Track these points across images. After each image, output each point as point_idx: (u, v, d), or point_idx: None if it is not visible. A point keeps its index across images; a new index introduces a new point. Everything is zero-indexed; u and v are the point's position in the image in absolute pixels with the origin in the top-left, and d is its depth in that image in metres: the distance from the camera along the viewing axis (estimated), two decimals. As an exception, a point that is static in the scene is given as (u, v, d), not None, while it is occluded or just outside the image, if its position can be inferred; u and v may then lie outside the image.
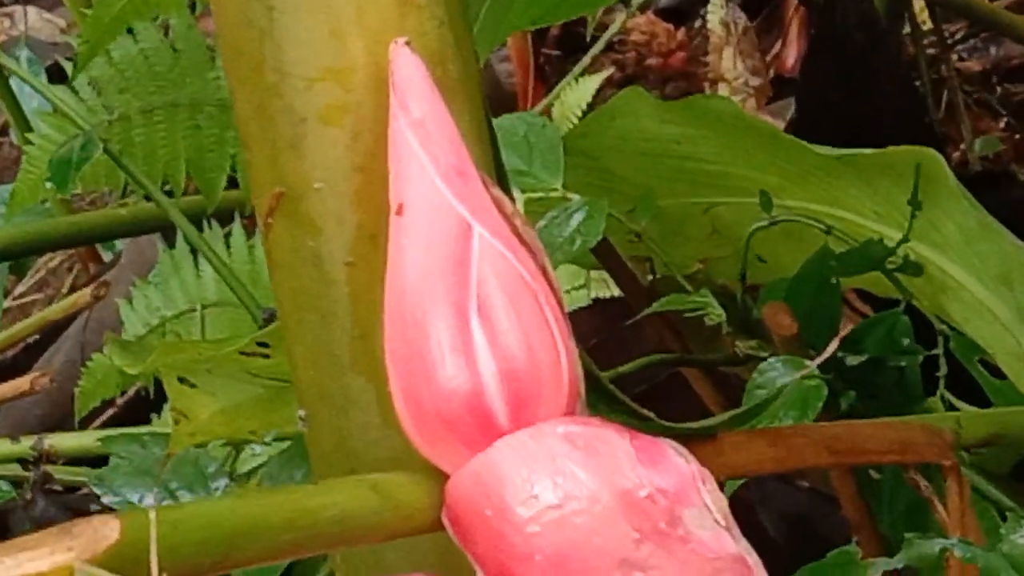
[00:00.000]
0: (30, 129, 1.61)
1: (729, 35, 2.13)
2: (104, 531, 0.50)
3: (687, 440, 0.65)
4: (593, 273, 1.48)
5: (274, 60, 0.62)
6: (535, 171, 1.10)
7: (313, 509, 0.55)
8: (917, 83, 1.82)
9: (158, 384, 1.39)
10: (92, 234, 1.76)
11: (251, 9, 0.62)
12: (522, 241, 0.60)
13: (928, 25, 1.99)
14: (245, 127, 0.64)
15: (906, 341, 1.06)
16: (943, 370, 1.07)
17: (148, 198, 1.44)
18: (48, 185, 1.42)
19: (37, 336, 1.84)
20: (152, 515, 0.49)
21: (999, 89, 2.18)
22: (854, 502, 1.00)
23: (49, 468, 1.53)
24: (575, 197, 1.06)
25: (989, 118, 2.14)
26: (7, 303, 2.11)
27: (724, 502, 0.56)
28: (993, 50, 2.22)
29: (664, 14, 2.32)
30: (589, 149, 1.15)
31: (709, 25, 2.16)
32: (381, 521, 0.57)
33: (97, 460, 1.30)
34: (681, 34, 2.27)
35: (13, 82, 1.79)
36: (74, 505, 1.56)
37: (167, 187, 1.50)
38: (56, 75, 1.94)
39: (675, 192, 1.16)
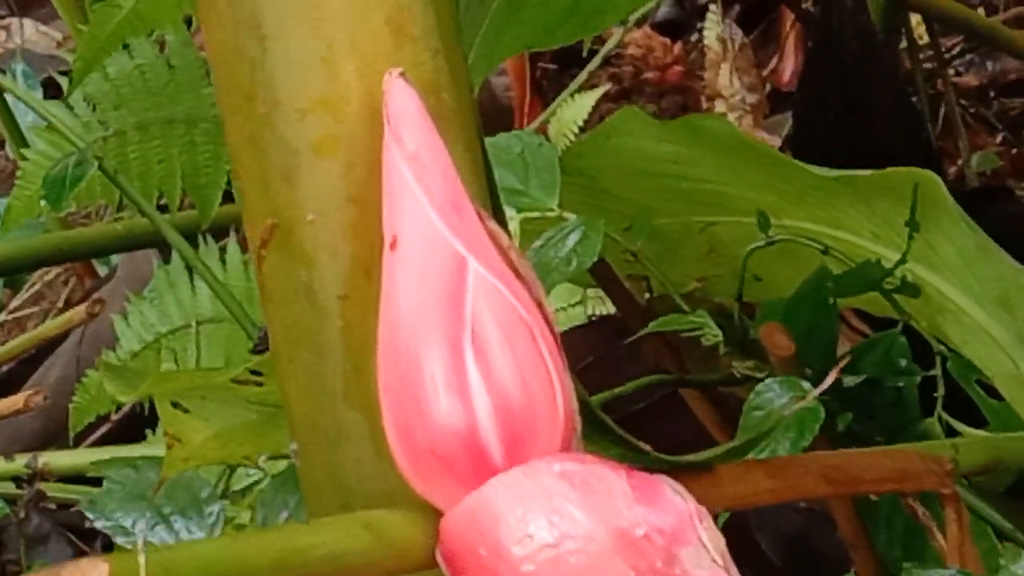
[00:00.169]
0: (25, 143, 1.61)
1: (726, 51, 2.13)
2: (93, 574, 0.49)
3: (684, 472, 0.65)
4: (589, 291, 1.48)
5: (266, 90, 0.61)
6: (531, 191, 1.10)
7: (304, 548, 0.55)
8: (914, 98, 1.81)
9: (153, 400, 1.39)
10: (87, 249, 1.76)
11: (243, 39, 0.61)
12: (517, 275, 0.59)
13: (925, 39, 1.99)
14: (237, 157, 0.63)
15: (904, 362, 1.05)
16: (941, 391, 1.06)
17: (143, 214, 1.43)
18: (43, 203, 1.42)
19: (32, 350, 1.84)
20: (142, 558, 0.48)
21: (996, 104, 2.18)
22: (851, 524, 0.99)
23: (43, 485, 1.53)
24: (571, 217, 1.05)
25: (986, 133, 2.14)
26: (2, 317, 2.10)
27: (721, 541, 0.56)
28: (990, 65, 2.22)
29: (661, 28, 2.32)
30: (586, 168, 1.14)
31: (706, 41, 2.15)
32: (373, 560, 0.56)
33: (91, 477, 1.29)
34: (678, 48, 2.26)
35: (8, 96, 1.79)
36: (68, 522, 1.55)
37: (162, 202, 1.50)
38: (52, 87, 1.93)
39: (672, 211, 1.15)
